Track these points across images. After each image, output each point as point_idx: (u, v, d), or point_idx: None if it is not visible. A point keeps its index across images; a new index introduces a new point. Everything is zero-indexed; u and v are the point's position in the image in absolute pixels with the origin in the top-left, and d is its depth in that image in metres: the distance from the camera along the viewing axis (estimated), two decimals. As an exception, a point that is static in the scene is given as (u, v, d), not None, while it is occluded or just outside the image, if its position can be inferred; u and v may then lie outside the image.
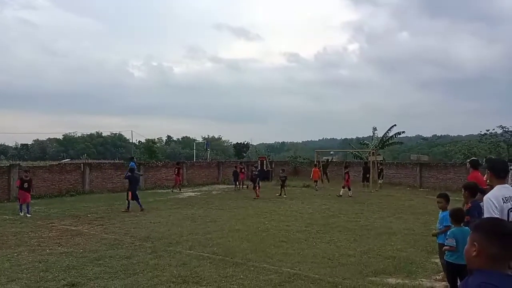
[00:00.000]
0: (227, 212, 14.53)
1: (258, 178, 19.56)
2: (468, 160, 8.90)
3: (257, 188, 19.28)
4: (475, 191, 5.61)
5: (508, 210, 4.07)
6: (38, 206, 16.15)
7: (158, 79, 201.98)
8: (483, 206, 4.24)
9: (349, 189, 19.95)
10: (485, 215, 4.01)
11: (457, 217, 5.62)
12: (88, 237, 10.23)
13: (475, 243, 1.95)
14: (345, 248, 9.04)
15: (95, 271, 7.22)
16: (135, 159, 23.15)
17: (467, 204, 5.70)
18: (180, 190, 22.74)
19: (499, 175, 4.25)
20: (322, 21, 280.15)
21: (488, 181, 4.50)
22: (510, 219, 4.04)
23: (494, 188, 4.21)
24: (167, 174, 25.95)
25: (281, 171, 21.21)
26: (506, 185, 4.23)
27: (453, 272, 5.36)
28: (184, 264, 7.64)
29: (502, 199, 4.05)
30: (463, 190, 5.75)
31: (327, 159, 29.89)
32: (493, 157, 9.72)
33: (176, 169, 23.60)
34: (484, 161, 8.79)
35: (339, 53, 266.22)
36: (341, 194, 19.57)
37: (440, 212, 6.87)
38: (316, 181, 23.45)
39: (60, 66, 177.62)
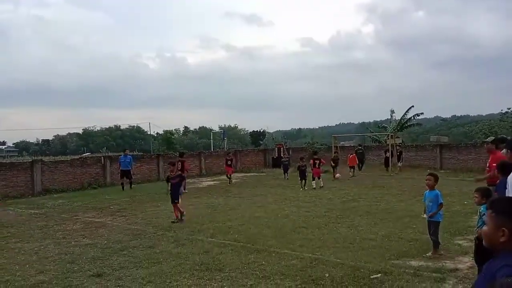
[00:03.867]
0: (246, 200, 14.60)
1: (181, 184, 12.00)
2: (487, 140, 8.77)
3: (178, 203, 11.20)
4: (508, 169, 5.51)
5: None
6: (62, 200, 16.52)
7: (172, 69, 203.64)
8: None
9: (313, 179, 17.62)
10: (510, 194, 3.94)
11: (486, 197, 5.55)
12: (111, 228, 10.43)
13: (504, 228, 1.89)
14: (366, 232, 9.02)
15: (120, 261, 7.38)
16: (127, 151, 21.44)
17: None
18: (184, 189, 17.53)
19: None
20: (336, 4, 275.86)
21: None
22: None
23: None
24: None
25: (300, 161, 18.52)
26: None
27: (485, 253, 5.30)
28: (206, 252, 7.73)
29: None
30: (496, 169, 5.68)
31: (360, 146, 28.37)
32: (504, 136, 9.56)
33: (180, 162, 16.79)
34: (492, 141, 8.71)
35: (354, 35, 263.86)
36: (321, 185, 17.37)
37: (428, 191, 7.11)
38: (352, 167, 22.22)
39: (75, 61, 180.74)
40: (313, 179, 17.60)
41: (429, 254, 7.08)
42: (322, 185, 17.39)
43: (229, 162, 21.08)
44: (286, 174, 22.42)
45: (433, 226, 7.14)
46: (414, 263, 6.70)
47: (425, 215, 7.38)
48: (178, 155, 20.65)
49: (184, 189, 16.65)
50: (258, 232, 9.32)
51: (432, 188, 7.23)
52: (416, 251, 7.38)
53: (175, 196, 11.13)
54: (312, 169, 18.05)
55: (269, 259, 7.08)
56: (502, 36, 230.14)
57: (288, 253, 7.42)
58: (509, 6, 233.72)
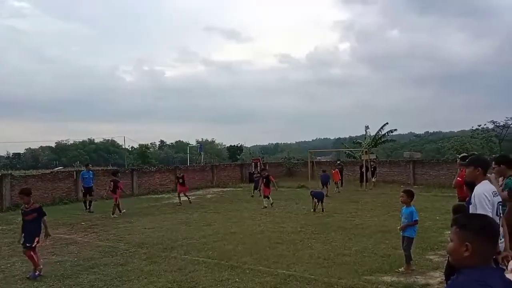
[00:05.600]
0: (221, 216, 14.49)
1: None
2: (460, 156, 9.02)
3: None
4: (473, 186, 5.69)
5: (497, 204, 4.21)
6: (31, 216, 15.99)
7: (150, 83, 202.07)
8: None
9: (267, 197, 16.45)
10: (479, 210, 4.09)
11: (460, 213, 5.68)
12: (82, 245, 10.17)
13: (467, 243, 1.91)
14: (340, 247, 9.07)
15: (90, 279, 7.18)
16: (90, 166, 19.70)
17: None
18: (113, 213, 15.17)
19: (487, 171, 4.45)
20: (313, 21, 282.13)
21: (471, 177, 4.57)
22: (499, 213, 4.18)
23: (483, 183, 4.32)
24: (161, 179, 26.01)
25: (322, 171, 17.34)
26: (487, 180, 4.43)
27: (455, 268, 5.39)
28: (180, 269, 7.62)
29: (492, 193, 4.18)
30: (464, 186, 5.83)
31: (340, 161, 28.03)
32: (475, 153, 9.98)
33: (111, 182, 16.03)
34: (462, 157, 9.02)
35: (331, 52, 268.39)
36: (265, 205, 16.12)
37: (404, 207, 7.25)
38: (336, 183, 22.18)
39: (50, 72, 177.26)
40: (265, 198, 16.51)
41: (402, 269, 7.17)
42: (266, 205, 16.13)
43: (180, 180, 18.72)
44: (255, 190, 20.41)
45: (406, 241, 7.24)
46: (386, 278, 6.76)
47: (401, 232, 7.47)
48: (112, 173, 17.93)
49: (120, 210, 15.17)
50: (232, 248, 9.25)
51: (407, 204, 7.34)
52: (389, 266, 7.46)
53: (29, 238, 7.73)
54: (263, 188, 16.88)
55: (243, 276, 7.03)
56: (472, 55, 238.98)
57: (263, 270, 7.38)
58: (479, 26, 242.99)
